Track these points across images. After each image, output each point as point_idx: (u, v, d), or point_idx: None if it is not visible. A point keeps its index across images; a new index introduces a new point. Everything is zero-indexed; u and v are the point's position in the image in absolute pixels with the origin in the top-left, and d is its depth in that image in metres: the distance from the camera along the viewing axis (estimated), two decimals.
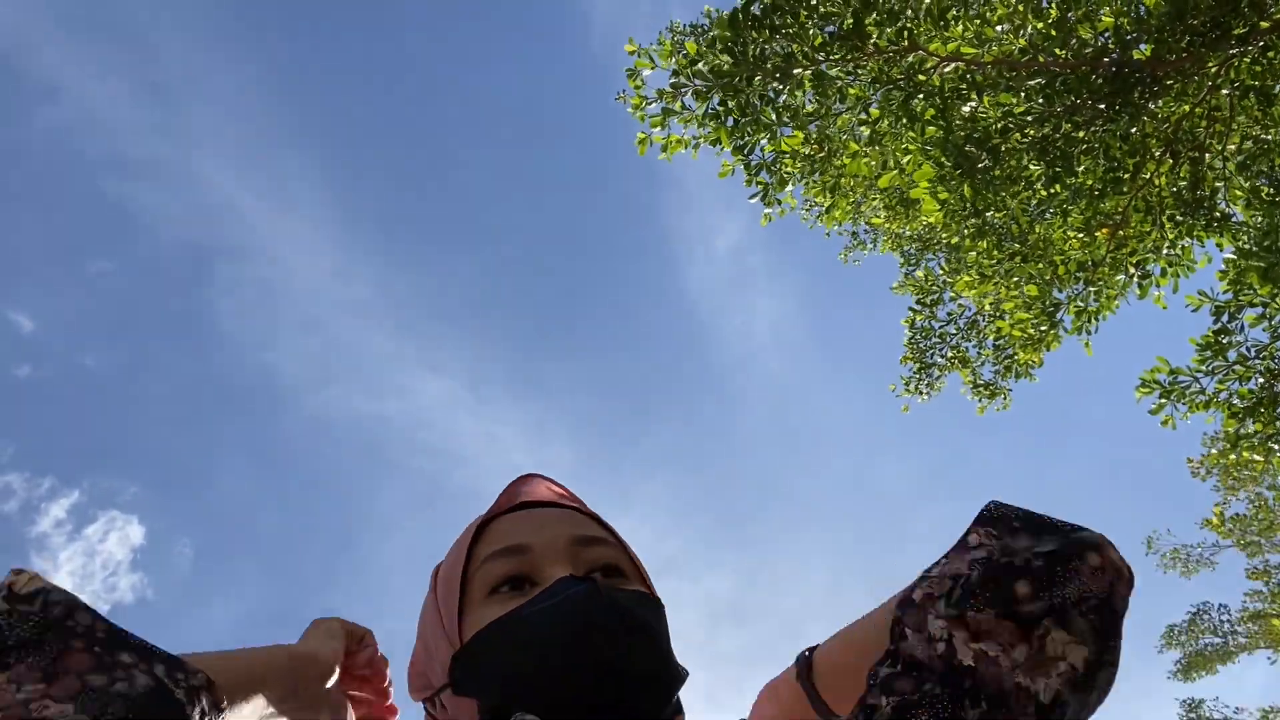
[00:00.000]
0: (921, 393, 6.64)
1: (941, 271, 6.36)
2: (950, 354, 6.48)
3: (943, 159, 5.12)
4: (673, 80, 5.33)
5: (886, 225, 6.50)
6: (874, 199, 6.13)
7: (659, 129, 5.47)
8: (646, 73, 5.45)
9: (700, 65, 5.32)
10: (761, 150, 5.50)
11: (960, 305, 6.35)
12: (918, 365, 6.61)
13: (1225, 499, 10.89)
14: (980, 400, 6.32)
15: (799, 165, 5.70)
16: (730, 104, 5.29)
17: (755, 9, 5.32)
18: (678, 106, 5.40)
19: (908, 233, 6.62)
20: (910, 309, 6.70)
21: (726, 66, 5.26)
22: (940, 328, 6.54)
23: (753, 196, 5.67)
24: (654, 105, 5.42)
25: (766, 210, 5.72)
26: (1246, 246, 4.85)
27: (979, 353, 6.33)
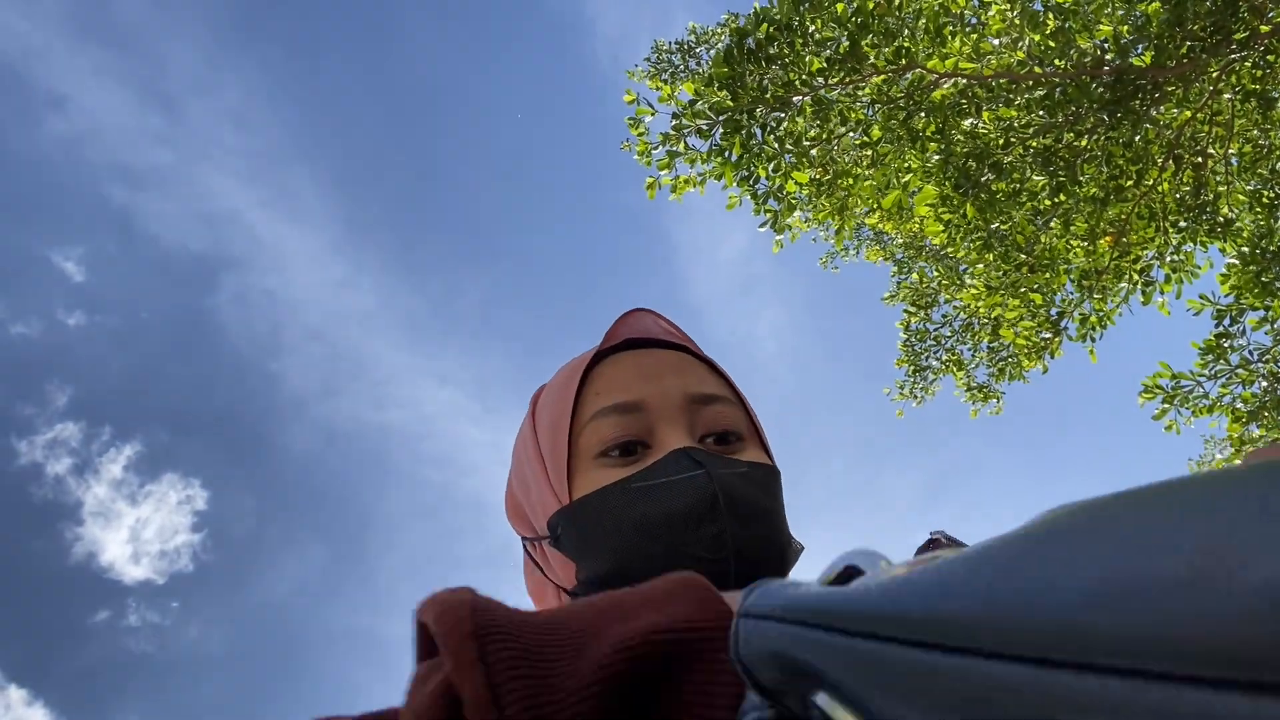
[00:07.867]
0: (915, 397, 6.57)
1: (936, 274, 6.36)
2: (945, 356, 6.42)
3: (945, 183, 5.19)
4: (674, 124, 5.40)
5: (876, 224, 6.42)
6: (877, 214, 6.14)
7: (666, 171, 5.56)
8: (648, 119, 5.51)
9: (700, 104, 5.37)
10: (769, 180, 5.58)
11: (955, 308, 6.31)
12: (912, 368, 6.54)
13: None
14: (974, 404, 6.31)
15: (807, 189, 5.77)
16: (733, 139, 5.36)
17: (749, 43, 5.33)
18: (682, 148, 5.48)
19: (897, 238, 6.57)
20: (905, 311, 6.63)
21: (727, 103, 5.31)
22: (936, 330, 6.47)
23: (762, 225, 5.77)
24: (659, 150, 5.50)
25: (778, 238, 5.83)
26: (1246, 251, 4.94)
27: (973, 355, 6.29)
